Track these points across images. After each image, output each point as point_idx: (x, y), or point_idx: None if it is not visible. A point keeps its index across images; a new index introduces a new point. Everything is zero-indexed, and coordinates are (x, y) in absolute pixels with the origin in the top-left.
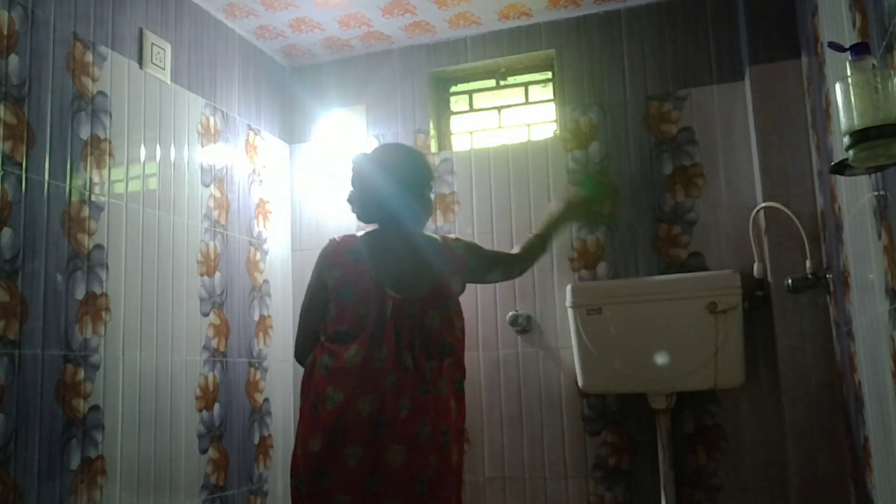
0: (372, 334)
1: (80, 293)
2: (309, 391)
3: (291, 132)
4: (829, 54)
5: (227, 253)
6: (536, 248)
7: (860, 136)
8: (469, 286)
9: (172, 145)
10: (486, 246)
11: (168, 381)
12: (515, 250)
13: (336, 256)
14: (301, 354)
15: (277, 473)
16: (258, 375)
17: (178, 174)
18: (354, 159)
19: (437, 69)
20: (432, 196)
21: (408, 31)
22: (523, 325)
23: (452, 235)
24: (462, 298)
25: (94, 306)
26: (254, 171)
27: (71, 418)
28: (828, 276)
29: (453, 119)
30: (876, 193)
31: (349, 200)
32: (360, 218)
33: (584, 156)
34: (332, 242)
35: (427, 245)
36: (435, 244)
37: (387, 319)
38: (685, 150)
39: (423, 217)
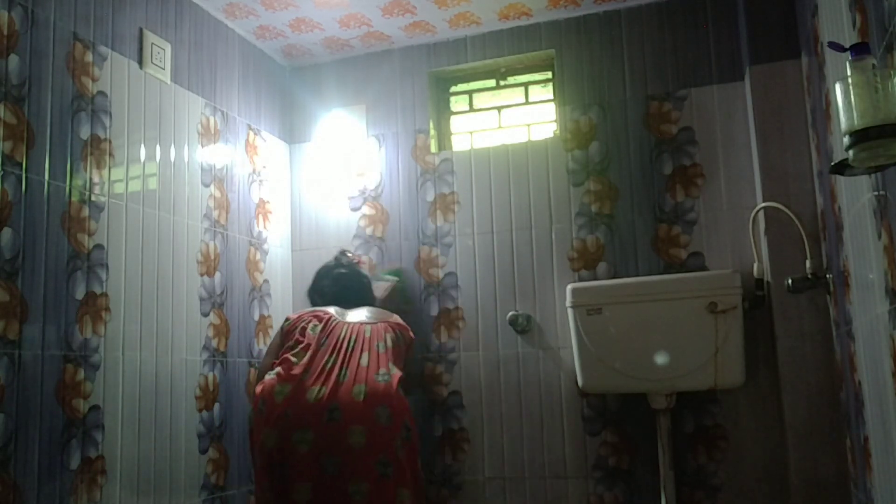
0: (324, 347)
1: (80, 293)
2: (255, 397)
3: (291, 132)
4: (829, 54)
5: (227, 253)
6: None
7: (860, 136)
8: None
9: (172, 145)
10: (486, 247)
11: (168, 381)
12: None
13: (305, 313)
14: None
15: None
16: None
17: (178, 174)
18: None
19: (437, 69)
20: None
21: (408, 31)
22: (523, 325)
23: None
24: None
25: (94, 306)
26: (254, 171)
27: (71, 418)
28: (828, 276)
29: (453, 119)
30: (876, 193)
31: (309, 293)
32: (315, 302)
33: (584, 156)
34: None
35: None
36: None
37: (342, 338)
38: (685, 150)
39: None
